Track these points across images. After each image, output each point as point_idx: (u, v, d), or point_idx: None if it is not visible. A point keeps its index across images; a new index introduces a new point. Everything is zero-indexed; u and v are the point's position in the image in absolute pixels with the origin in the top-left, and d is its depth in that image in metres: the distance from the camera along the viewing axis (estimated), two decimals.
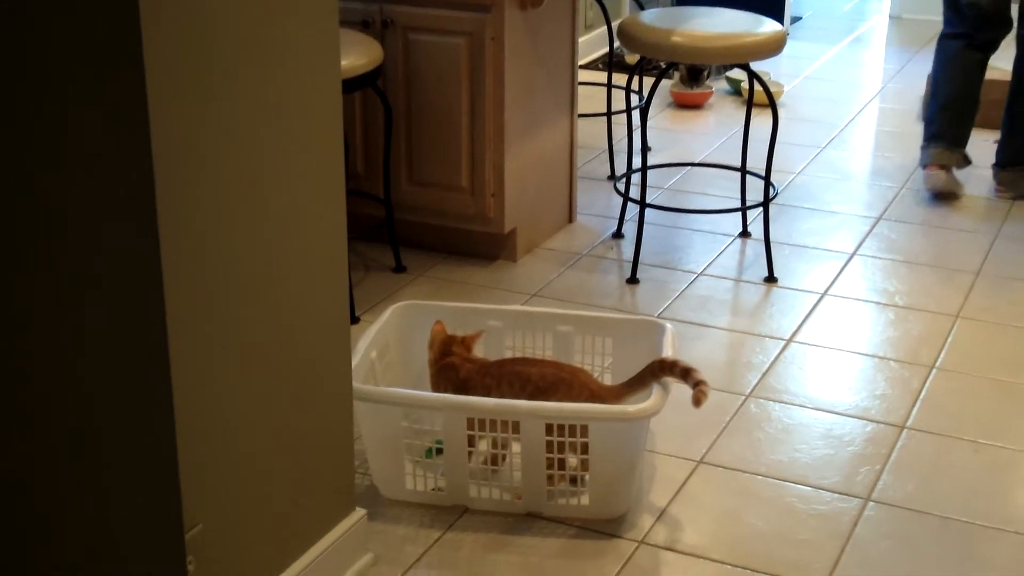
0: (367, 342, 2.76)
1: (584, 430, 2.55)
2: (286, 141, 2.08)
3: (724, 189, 4.44)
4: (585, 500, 2.63)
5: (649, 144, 4.80)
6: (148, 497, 1.98)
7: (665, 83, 5.52)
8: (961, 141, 4.40)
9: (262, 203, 2.05)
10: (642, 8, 4.49)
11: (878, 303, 3.67)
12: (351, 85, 3.37)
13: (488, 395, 2.65)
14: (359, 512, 2.46)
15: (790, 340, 3.44)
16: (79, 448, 2.00)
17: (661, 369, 2.60)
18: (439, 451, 2.68)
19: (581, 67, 5.76)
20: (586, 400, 2.63)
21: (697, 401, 2.53)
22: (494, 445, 2.67)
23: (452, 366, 2.72)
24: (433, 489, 2.68)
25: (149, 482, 1.97)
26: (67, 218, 1.87)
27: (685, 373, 2.56)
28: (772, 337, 3.45)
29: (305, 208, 2.16)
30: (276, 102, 2.04)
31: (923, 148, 4.46)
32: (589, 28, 6.09)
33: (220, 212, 1.96)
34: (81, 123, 1.80)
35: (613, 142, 4.66)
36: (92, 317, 1.91)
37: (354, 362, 2.62)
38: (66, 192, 1.85)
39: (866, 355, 3.37)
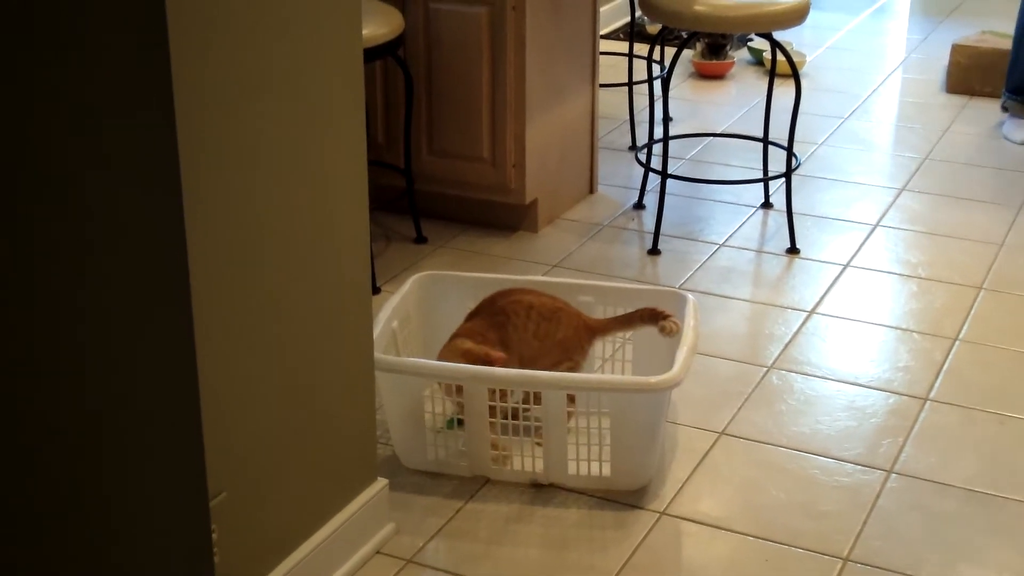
0: (388, 312, 2.76)
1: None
2: (307, 111, 2.08)
3: (746, 160, 4.41)
4: (607, 471, 2.63)
5: (671, 114, 4.80)
6: (172, 466, 1.98)
7: (687, 53, 5.49)
8: None
9: (283, 174, 2.05)
10: None
11: (901, 274, 3.65)
12: (372, 54, 3.35)
13: (504, 329, 2.70)
14: (381, 482, 2.47)
15: (812, 312, 3.42)
16: (101, 419, 2.00)
17: (652, 317, 2.72)
18: (460, 422, 2.68)
19: (602, 37, 5.72)
20: (580, 327, 2.75)
21: (667, 331, 2.69)
22: (515, 416, 2.66)
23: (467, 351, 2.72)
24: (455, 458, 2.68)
25: (173, 451, 1.97)
26: (90, 189, 1.86)
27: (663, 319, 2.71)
28: (794, 308, 3.44)
29: (327, 178, 2.16)
30: (298, 72, 2.03)
31: None
32: None
33: (241, 183, 1.95)
34: (101, 89, 1.80)
35: (634, 112, 4.64)
36: (116, 285, 1.90)
37: (375, 332, 2.62)
38: (93, 161, 1.85)
39: (889, 327, 3.36)
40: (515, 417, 2.61)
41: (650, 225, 3.88)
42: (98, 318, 1.94)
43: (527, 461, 2.65)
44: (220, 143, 1.89)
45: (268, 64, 1.96)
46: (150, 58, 1.75)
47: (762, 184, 4.13)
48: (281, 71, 2.00)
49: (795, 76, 3.77)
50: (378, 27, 3.33)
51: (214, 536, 2.00)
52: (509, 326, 2.71)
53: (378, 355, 2.49)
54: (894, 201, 4.16)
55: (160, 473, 2.00)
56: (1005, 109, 4.79)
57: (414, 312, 2.88)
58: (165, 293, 1.87)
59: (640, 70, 4.79)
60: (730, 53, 5.51)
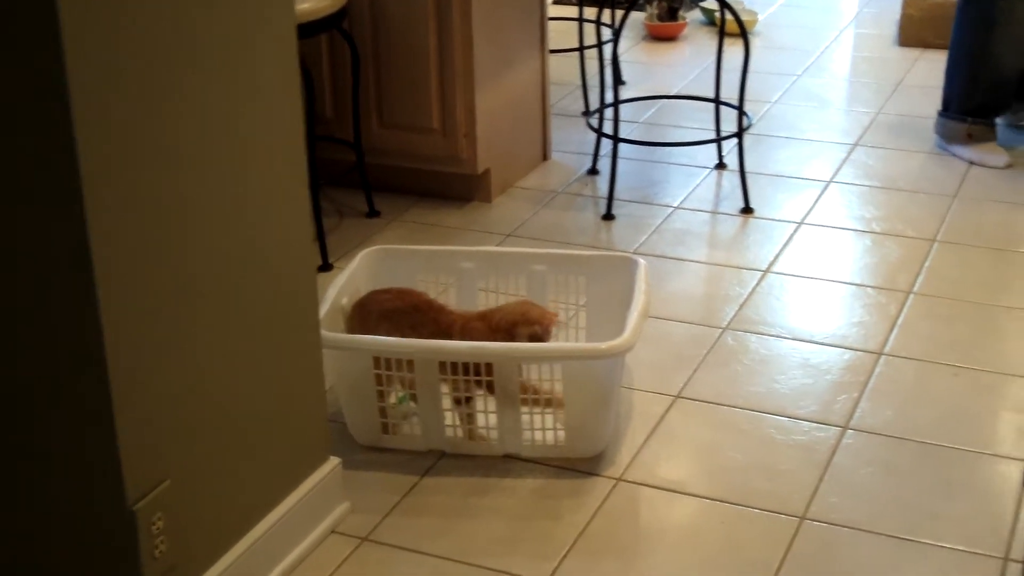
0: (337, 289, 2.73)
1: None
2: (239, 86, 2.04)
3: (700, 121, 4.39)
4: (562, 439, 2.62)
5: (624, 78, 4.78)
6: (85, 466, 1.93)
7: (639, 16, 5.46)
8: None
9: (216, 152, 2.01)
10: None
11: (855, 230, 3.65)
12: (315, 28, 3.32)
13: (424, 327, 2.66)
14: (333, 461, 2.45)
15: (767, 271, 3.41)
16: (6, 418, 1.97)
17: None
18: (413, 396, 2.67)
19: (551, 2, 5.69)
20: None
21: None
22: (466, 388, 2.63)
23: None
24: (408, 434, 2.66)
25: (85, 450, 1.92)
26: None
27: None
28: (749, 268, 3.43)
29: (263, 155, 2.13)
30: (226, 44, 2.00)
31: None
32: None
33: (171, 162, 1.92)
34: None
35: (587, 77, 4.61)
36: (23, 280, 1.88)
37: (324, 309, 2.60)
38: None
39: (843, 283, 3.35)
40: (467, 389, 2.59)
41: (604, 190, 3.86)
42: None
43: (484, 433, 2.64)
44: (142, 122, 1.85)
45: (194, 36, 1.93)
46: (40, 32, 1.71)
47: (715, 145, 4.11)
48: (208, 43, 1.96)
49: (743, 35, 3.75)
50: (320, 0, 3.29)
51: (160, 524, 1.97)
52: (443, 312, 2.70)
53: (325, 333, 2.46)
54: (847, 157, 4.15)
55: (73, 475, 1.95)
56: (970, 136, 4.10)
57: (364, 288, 2.85)
58: (71, 277, 1.81)
59: (591, 34, 4.76)
60: (682, 14, 5.49)
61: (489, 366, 2.53)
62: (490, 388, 2.57)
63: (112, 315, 1.83)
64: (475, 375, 2.55)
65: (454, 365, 2.55)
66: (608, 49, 4.22)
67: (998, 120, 4.15)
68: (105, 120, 1.77)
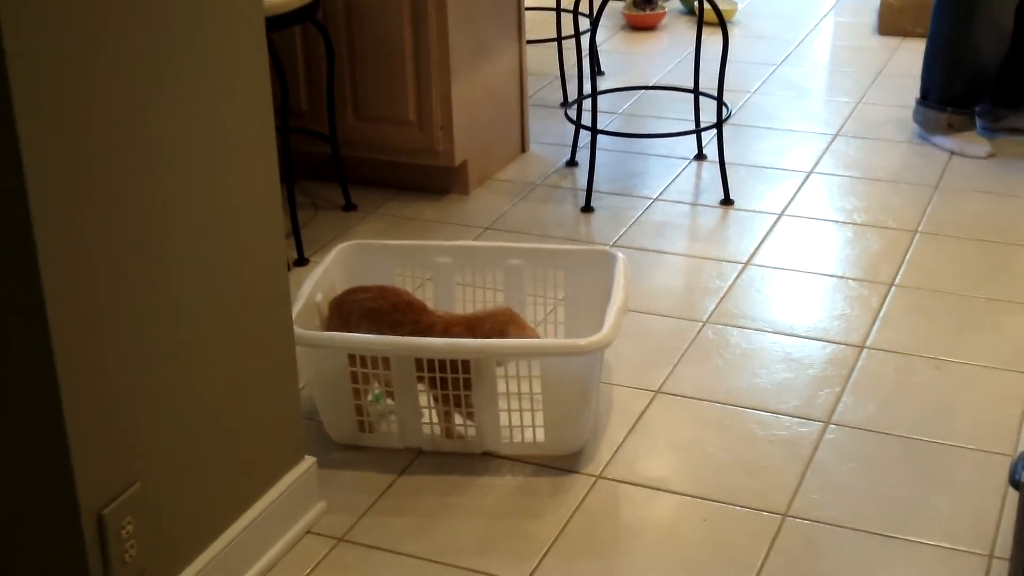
0: (312, 284, 2.69)
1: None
2: (206, 78, 2.00)
3: (679, 112, 4.36)
4: (541, 436, 2.58)
5: (603, 69, 4.75)
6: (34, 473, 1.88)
7: (617, 5, 5.42)
8: None
9: (184, 145, 1.97)
10: None
11: (836, 221, 3.62)
12: (289, 19, 3.27)
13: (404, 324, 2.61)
14: (308, 460, 2.40)
15: (747, 263, 3.38)
16: None
17: None
18: (390, 394, 2.62)
19: None
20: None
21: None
22: (443, 386, 2.59)
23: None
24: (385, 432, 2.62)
25: (44, 454, 1.87)
26: None
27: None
28: (729, 261, 3.40)
29: (232, 148, 2.08)
30: (195, 36, 1.95)
31: None
32: None
33: (137, 156, 1.88)
34: None
35: (565, 68, 4.57)
36: None
37: (298, 306, 2.56)
38: None
39: (825, 275, 3.32)
40: (444, 387, 2.54)
41: (583, 182, 3.81)
42: None
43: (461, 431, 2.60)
44: (107, 116, 1.81)
45: (159, 27, 1.88)
46: None
47: (695, 136, 4.07)
48: (174, 35, 1.91)
49: (722, 24, 3.71)
50: None
51: (130, 528, 1.93)
52: (424, 312, 2.65)
53: (299, 330, 2.42)
54: (828, 147, 4.12)
55: (32, 477, 1.89)
56: (951, 126, 4.05)
57: (339, 283, 2.81)
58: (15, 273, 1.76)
59: (569, 24, 4.71)
60: (661, 3, 5.45)
61: (467, 378, 2.50)
62: (470, 415, 2.54)
63: (61, 312, 1.77)
64: (452, 378, 2.51)
65: (431, 365, 2.50)
66: (586, 39, 4.18)
67: (977, 124, 4.12)
68: (64, 114, 1.73)
